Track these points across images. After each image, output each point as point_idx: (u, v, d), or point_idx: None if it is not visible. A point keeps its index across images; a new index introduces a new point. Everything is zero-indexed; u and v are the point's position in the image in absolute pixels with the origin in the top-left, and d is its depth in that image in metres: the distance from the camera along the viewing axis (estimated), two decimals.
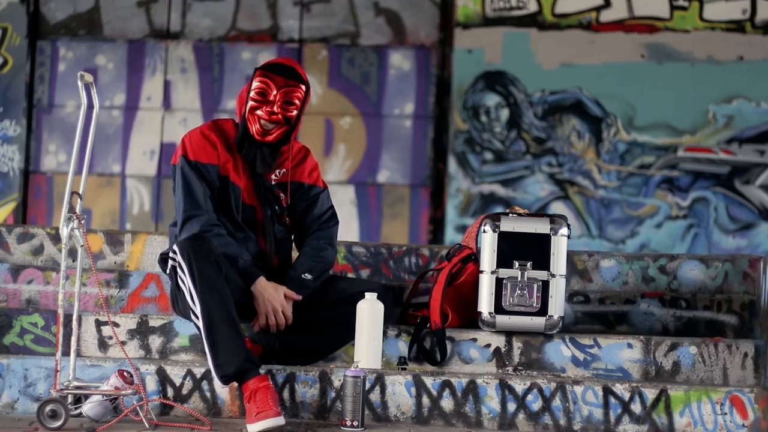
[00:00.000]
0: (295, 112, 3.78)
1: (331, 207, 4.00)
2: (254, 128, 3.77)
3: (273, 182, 3.86)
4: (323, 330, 3.80)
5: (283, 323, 3.72)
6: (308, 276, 3.81)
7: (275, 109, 3.75)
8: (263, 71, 3.78)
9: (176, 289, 3.66)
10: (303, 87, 3.79)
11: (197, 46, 7.43)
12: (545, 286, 3.81)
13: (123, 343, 3.86)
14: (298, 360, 3.75)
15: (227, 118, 3.96)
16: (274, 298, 3.71)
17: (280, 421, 3.30)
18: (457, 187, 7.15)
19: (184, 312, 3.65)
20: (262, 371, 3.46)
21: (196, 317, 3.48)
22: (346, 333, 3.77)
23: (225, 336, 3.41)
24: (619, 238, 7.08)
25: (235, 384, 3.47)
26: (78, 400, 3.46)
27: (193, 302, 3.48)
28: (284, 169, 3.88)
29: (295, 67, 3.82)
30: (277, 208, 3.87)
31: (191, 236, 3.60)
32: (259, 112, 3.75)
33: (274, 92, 3.75)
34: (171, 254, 3.63)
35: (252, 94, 3.76)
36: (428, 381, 3.61)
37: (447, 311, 3.93)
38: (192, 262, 3.48)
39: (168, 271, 3.73)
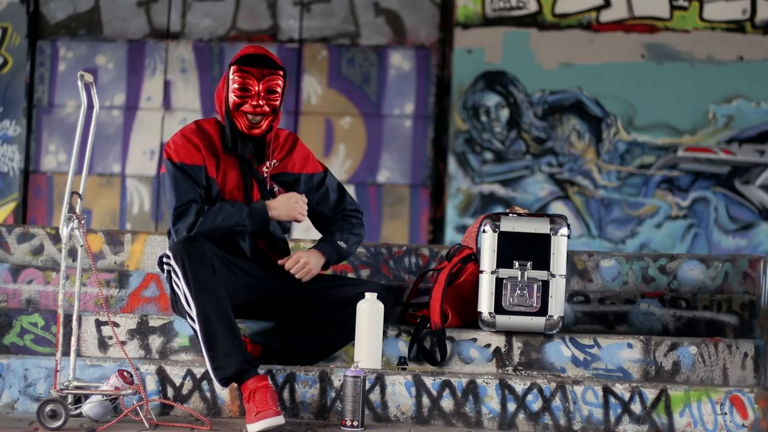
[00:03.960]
0: (278, 101, 3.76)
1: (339, 185, 3.99)
2: (242, 124, 3.74)
3: (265, 174, 3.84)
4: (323, 330, 3.80)
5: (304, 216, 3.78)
6: (342, 244, 3.87)
7: (260, 101, 3.72)
8: (239, 66, 3.74)
9: (172, 293, 3.66)
10: (281, 73, 3.76)
11: (197, 46, 7.43)
12: (545, 286, 3.81)
13: (123, 343, 3.86)
14: (299, 360, 3.75)
15: (209, 118, 3.91)
16: (287, 205, 3.73)
17: (279, 420, 3.30)
18: (457, 187, 7.14)
19: (183, 314, 3.64)
20: (261, 371, 3.46)
21: (193, 320, 3.48)
22: (346, 333, 3.77)
23: (222, 338, 3.41)
24: (619, 238, 7.08)
25: (235, 384, 3.47)
26: (78, 400, 3.46)
27: (189, 306, 3.48)
28: (275, 160, 3.86)
29: (269, 55, 3.78)
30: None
31: (184, 239, 3.56)
32: (244, 107, 3.73)
33: (255, 85, 3.72)
34: (165, 258, 3.61)
35: (233, 88, 3.72)
36: (428, 381, 3.61)
37: (447, 311, 3.92)
38: (186, 265, 3.47)
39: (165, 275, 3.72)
